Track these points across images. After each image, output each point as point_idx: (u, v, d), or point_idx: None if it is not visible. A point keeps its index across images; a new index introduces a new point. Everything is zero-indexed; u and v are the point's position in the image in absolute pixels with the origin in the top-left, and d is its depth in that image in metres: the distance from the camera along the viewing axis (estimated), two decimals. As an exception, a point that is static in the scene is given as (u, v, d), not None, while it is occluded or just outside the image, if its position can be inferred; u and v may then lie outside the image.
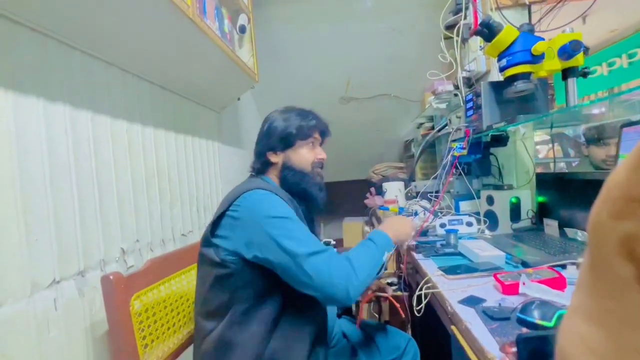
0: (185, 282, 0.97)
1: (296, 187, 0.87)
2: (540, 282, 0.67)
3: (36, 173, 0.67)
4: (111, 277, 0.72)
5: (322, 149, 0.93)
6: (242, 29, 1.45)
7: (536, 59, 0.93)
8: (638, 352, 0.15)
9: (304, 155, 0.88)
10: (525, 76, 0.96)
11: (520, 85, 0.95)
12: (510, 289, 0.68)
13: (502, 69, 1.00)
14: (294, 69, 2.07)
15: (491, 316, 0.59)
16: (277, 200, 0.78)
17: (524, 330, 0.54)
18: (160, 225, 1.08)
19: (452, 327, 0.65)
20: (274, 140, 0.88)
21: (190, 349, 0.89)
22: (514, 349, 0.45)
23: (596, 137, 1.30)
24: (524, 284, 0.65)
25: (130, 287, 0.77)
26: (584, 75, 0.95)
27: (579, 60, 0.93)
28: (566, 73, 0.95)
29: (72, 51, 0.78)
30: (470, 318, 0.60)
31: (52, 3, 0.67)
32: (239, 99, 1.75)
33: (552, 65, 0.95)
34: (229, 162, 1.70)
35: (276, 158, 0.89)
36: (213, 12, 1.15)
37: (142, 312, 0.79)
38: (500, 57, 0.99)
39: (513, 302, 0.64)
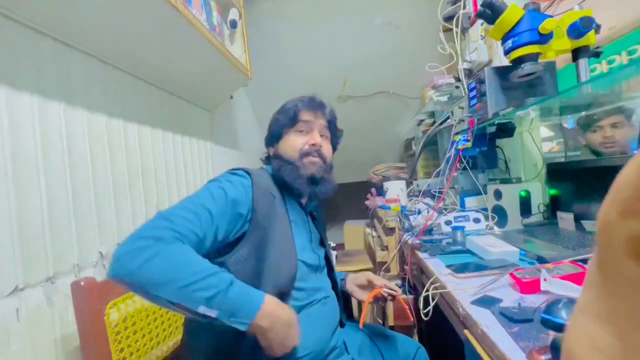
0: (171, 289, 0.89)
1: (277, 176, 0.79)
2: (563, 277, 0.59)
3: (-5, 167, 0.60)
4: (82, 282, 0.65)
5: (318, 134, 0.83)
6: (233, 24, 1.40)
7: (544, 38, 0.86)
8: None
9: (290, 143, 0.81)
10: (533, 57, 0.89)
11: (527, 67, 0.88)
12: (530, 287, 0.61)
13: (507, 52, 0.93)
14: (288, 66, 2.01)
15: (511, 318, 0.51)
16: (228, 175, 0.72)
17: (551, 333, 0.46)
18: (145, 228, 1.01)
19: (465, 331, 0.57)
20: (269, 134, 0.88)
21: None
22: (546, 357, 0.38)
23: (588, 123, 1.24)
24: (545, 280, 0.57)
25: (105, 293, 0.69)
26: (597, 55, 0.89)
27: (590, 38, 0.86)
28: (577, 53, 0.88)
29: (44, 38, 0.72)
30: (486, 321, 0.53)
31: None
32: (231, 97, 1.69)
33: (562, 45, 0.88)
34: (222, 163, 1.63)
35: (272, 151, 0.87)
36: (199, 1, 1.10)
37: (119, 322, 0.72)
38: (504, 39, 0.92)
39: (534, 301, 0.56)
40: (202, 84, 1.33)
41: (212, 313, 0.53)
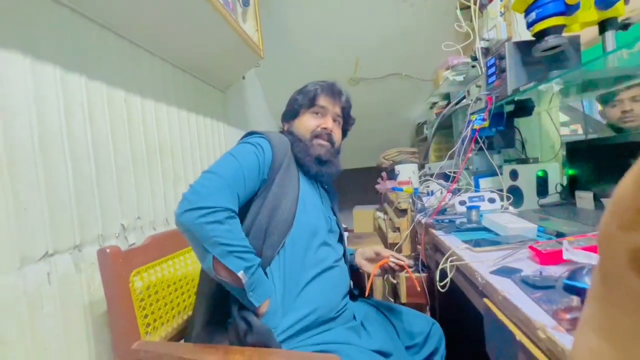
0: (190, 262, 0.92)
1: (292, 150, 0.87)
2: (584, 249, 0.59)
3: (23, 137, 0.62)
4: (108, 250, 0.67)
5: (332, 119, 0.90)
6: (246, 2, 1.38)
7: (571, 9, 0.83)
8: None
9: (304, 123, 0.89)
10: (558, 30, 0.86)
11: (552, 40, 0.85)
12: (550, 258, 0.60)
13: (530, 24, 0.90)
14: (299, 47, 1.98)
15: (533, 285, 0.51)
16: (249, 140, 0.83)
17: (575, 298, 0.46)
18: (164, 204, 1.03)
19: (485, 299, 0.58)
20: (286, 110, 0.94)
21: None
22: (571, 315, 0.38)
23: (607, 98, 1.21)
24: (567, 249, 0.57)
25: (129, 262, 0.71)
26: (625, 27, 0.85)
27: (619, 9, 0.82)
28: (604, 25, 0.84)
29: (61, 8, 0.72)
30: (507, 288, 0.53)
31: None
32: (244, 77, 1.69)
33: (588, 16, 0.84)
34: (234, 143, 1.63)
35: (287, 126, 0.93)
36: (214, -24, 1.08)
37: (143, 290, 0.74)
38: (528, 10, 0.89)
39: (555, 271, 0.56)
40: (216, 62, 1.32)
41: (244, 279, 0.66)
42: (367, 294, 0.84)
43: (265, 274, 0.73)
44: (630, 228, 0.15)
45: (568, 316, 0.39)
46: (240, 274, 0.65)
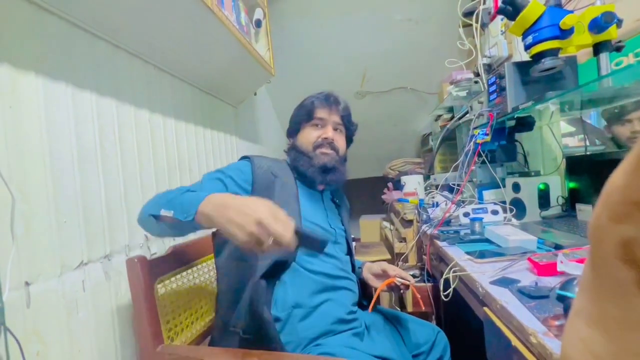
0: (207, 270, 0.97)
1: (294, 166, 0.90)
2: (579, 261, 0.63)
3: (65, 156, 0.69)
4: (136, 259, 0.73)
5: (332, 129, 0.93)
6: (258, 23, 1.46)
7: (565, 33, 0.88)
8: (637, 356, 0.15)
9: (305, 136, 0.92)
10: (554, 52, 0.91)
11: (548, 62, 0.91)
12: (546, 270, 0.65)
13: (527, 47, 0.95)
14: (308, 63, 2.06)
15: (528, 295, 0.55)
16: (238, 162, 0.85)
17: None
18: (182, 215, 1.09)
19: (485, 308, 0.62)
20: (289, 126, 0.98)
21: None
22: (559, 322, 0.42)
23: (615, 116, 1.24)
24: (562, 262, 0.61)
25: (154, 271, 0.77)
26: (618, 49, 0.90)
27: (611, 33, 0.88)
28: (598, 48, 0.90)
29: (98, 41, 0.80)
30: (505, 297, 0.57)
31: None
32: (255, 93, 1.77)
33: (583, 40, 0.90)
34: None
35: (292, 142, 0.97)
36: (230, 3, 1.16)
37: (166, 297, 0.80)
38: (525, 34, 0.95)
39: (550, 282, 0.60)
40: (230, 81, 1.40)
41: (169, 213, 0.62)
42: (370, 309, 0.88)
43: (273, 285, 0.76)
44: (620, 220, 0.15)
45: (557, 323, 0.43)
46: (162, 212, 0.63)
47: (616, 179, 0.15)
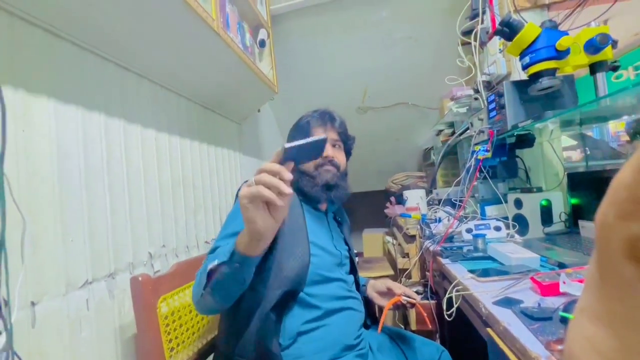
0: (210, 287, 0.97)
1: (297, 187, 0.89)
2: (581, 281, 0.63)
3: (74, 176, 0.71)
4: (140, 278, 0.74)
5: (330, 146, 0.92)
6: (262, 44, 1.50)
7: (561, 54, 0.91)
8: None
9: None
10: (551, 72, 0.93)
11: (545, 81, 0.93)
12: (549, 290, 0.64)
13: (525, 67, 0.98)
14: (310, 80, 2.11)
15: (531, 316, 0.55)
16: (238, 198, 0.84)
17: (569, 329, 0.50)
18: (185, 232, 1.10)
19: (488, 329, 0.61)
20: None
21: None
22: (562, 346, 0.42)
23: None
24: (564, 282, 0.61)
25: (157, 289, 0.78)
26: (614, 69, 0.92)
27: (607, 53, 0.90)
28: (594, 67, 0.91)
29: (107, 63, 0.83)
30: (507, 319, 0.57)
31: (93, 19, 0.72)
32: (259, 110, 1.80)
33: (579, 60, 0.92)
34: (250, 172, 1.73)
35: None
36: (235, 26, 1.21)
37: (168, 315, 0.80)
38: (522, 55, 0.97)
39: (553, 302, 0.60)
40: (234, 99, 1.44)
41: (215, 263, 0.59)
42: (379, 330, 0.87)
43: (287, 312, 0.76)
44: (627, 217, 0.15)
45: (559, 347, 0.43)
46: (209, 267, 0.60)
47: (624, 176, 0.15)
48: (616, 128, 1.35)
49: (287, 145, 0.55)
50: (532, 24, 0.93)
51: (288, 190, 0.52)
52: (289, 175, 0.53)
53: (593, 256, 0.18)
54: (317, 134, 0.91)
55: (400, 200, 2.02)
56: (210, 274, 0.61)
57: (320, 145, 0.60)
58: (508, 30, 0.97)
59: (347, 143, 0.99)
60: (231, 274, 0.59)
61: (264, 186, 0.52)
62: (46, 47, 0.67)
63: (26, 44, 0.63)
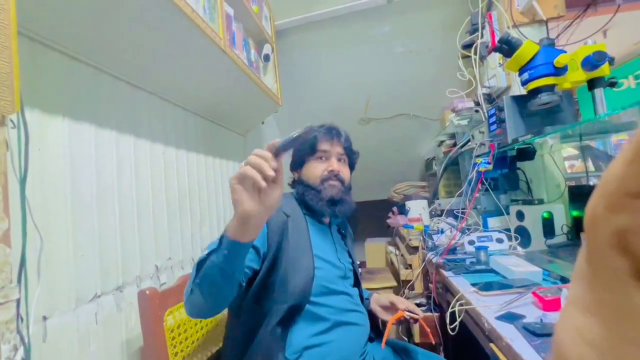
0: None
1: (302, 200, 0.91)
2: (584, 297, 0.63)
3: (85, 192, 0.73)
4: (147, 292, 0.75)
5: (336, 160, 0.94)
6: (267, 58, 1.54)
7: (559, 71, 0.93)
8: (631, 344, 0.15)
9: (311, 170, 0.93)
10: (549, 88, 0.95)
11: (544, 97, 0.95)
12: (552, 305, 0.65)
13: (524, 83, 1.00)
14: (313, 93, 2.14)
15: (533, 332, 0.56)
16: None
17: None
18: (191, 244, 1.12)
19: (491, 344, 0.62)
20: (292, 160, 0.99)
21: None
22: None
23: None
24: (565, 298, 0.62)
25: (164, 302, 0.79)
26: (612, 85, 0.94)
27: (604, 70, 0.92)
28: (592, 83, 0.93)
29: (119, 82, 0.86)
30: (510, 334, 0.58)
31: (108, 41, 0.76)
32: (263, 122, 1.83)
33: (577, 76, 0.94)
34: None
35: (296, 175, 0.98)
36: (241, 43, 1.24)
37: (174, 328, 0.81)
38: (521, 71, 1.00)
39: (556, 317, 0.61)
40: (239, 112, 1.47)
41: (205, 253, 0.60)
42: (383, 346, 0.87)
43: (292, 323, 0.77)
44: (615, 209, 0.15)
45: (561, 364, 0.44)
46: (201, 257, 0.61)
47: (614, 168, 0.15)
48: (618, 136, 1.37)
49: (280, 140, 0.58)
50: (530, 42, 0.96)
51: (270, 172, 0.54)
52: (274, 164, 0.55)
53: (582, 248, 0.18)
54: (324, 148, 0.94)
55: (403, 211, 2.03)
56: (200, 267, 0.60)
57: (312, 140, 0.62)
58: (507, 47, 0.99)
59: (351, 157, 1.02)
60: (219, 263, 0.58)
61: (251, 167, 0.54)
62: (64, 70, 0.70)
63: (45, 68, 0.66)
